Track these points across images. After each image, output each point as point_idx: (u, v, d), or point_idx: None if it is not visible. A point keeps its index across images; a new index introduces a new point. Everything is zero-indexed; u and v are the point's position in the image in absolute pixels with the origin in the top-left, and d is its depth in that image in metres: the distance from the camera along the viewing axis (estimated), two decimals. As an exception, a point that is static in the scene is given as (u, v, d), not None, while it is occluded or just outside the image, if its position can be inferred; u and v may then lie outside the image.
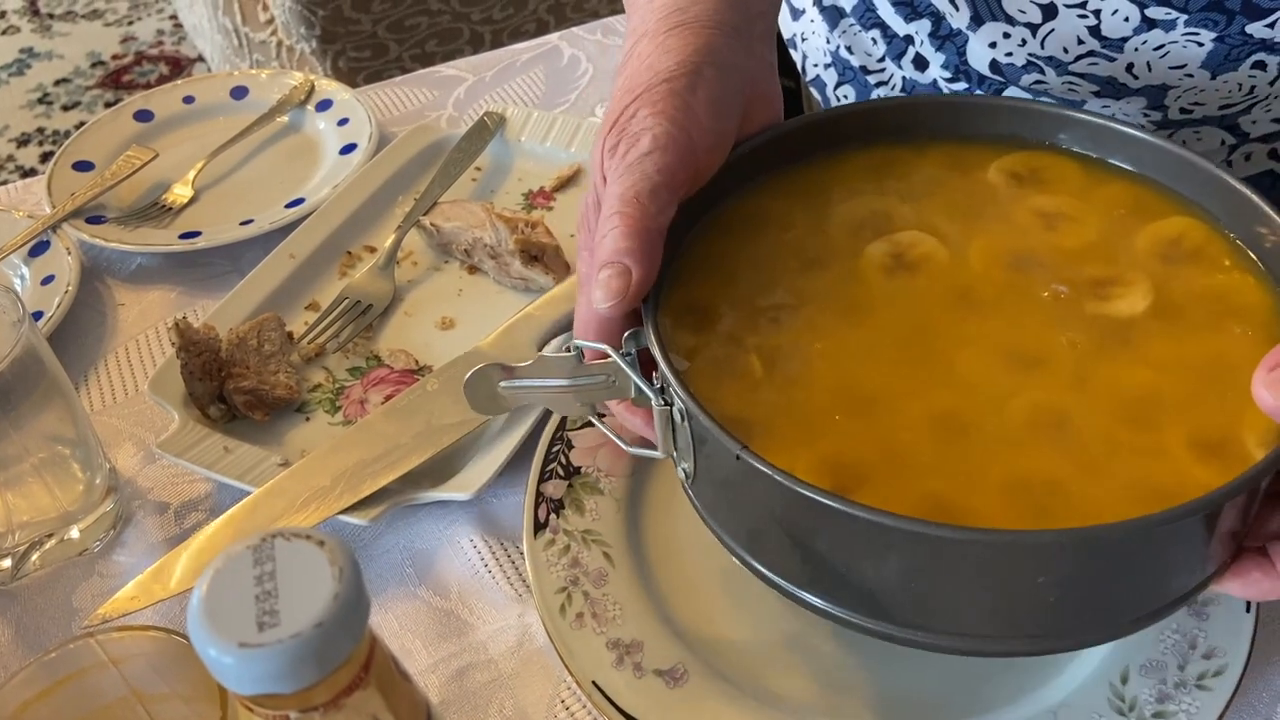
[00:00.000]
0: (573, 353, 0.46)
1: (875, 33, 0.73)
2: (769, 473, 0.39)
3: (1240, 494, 0.39)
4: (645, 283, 0.43)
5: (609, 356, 0.45)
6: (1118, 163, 0.51)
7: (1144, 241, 0.48)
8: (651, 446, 0.47)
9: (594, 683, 0.51)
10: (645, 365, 0.45)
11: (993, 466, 0.41)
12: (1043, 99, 0.51)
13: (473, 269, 0.75)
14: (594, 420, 0.48)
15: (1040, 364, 0.44)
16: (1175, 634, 0.51)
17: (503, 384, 0.48)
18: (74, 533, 0.60)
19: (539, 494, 0.58)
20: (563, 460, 0.59)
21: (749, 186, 0.51)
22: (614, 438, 0.48)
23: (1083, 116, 0.51)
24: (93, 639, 0.43)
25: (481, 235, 0.73)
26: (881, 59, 0.74)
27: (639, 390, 0.45)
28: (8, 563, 0.59)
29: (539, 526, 0.57)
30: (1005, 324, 0.46)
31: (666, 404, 0.43)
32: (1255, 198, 0.46)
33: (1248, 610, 0.52)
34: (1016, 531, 0.38)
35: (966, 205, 0.50)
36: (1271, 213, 0.46)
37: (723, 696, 0.51)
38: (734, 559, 0.45)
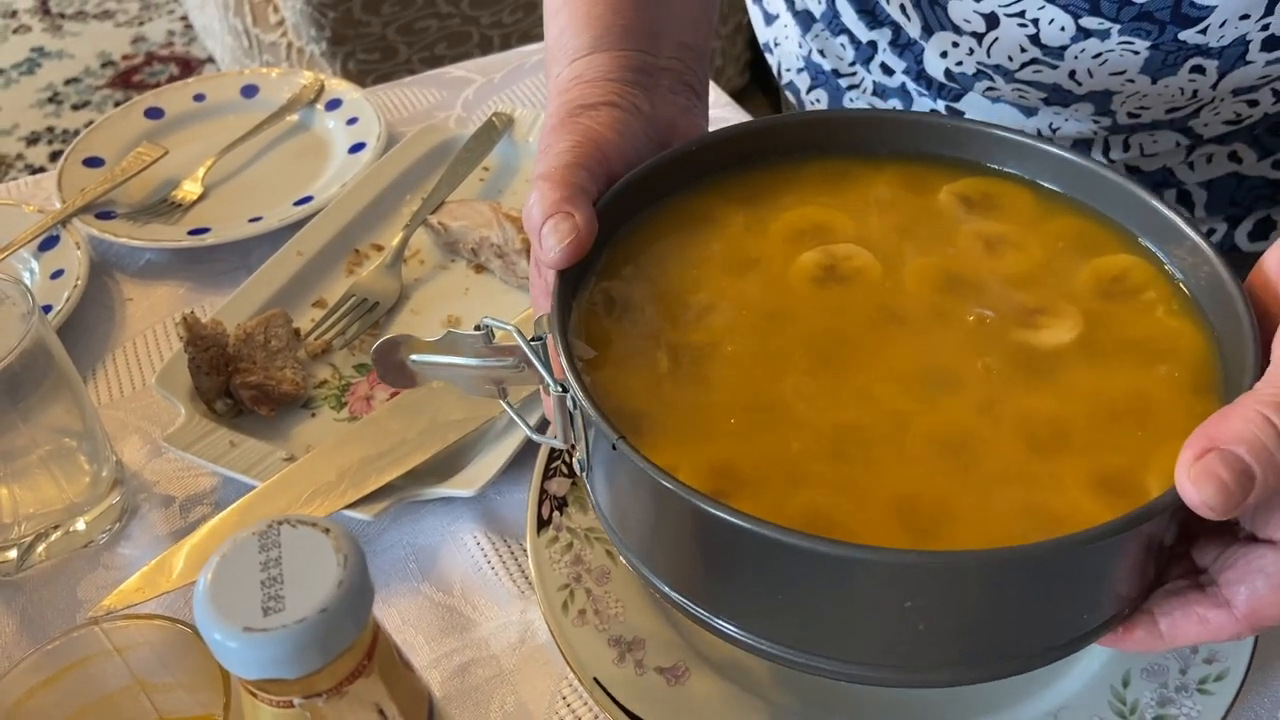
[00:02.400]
0: (481, 331, 0.46)
1: (844, 38, 0.74)
2: (640, 465, 0.38)
3: (1111, 538, 0.36)
4: (590, 226, 0.44)
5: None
6: (1062, 190, 0.49)
7: (1085, 275, 0.47)
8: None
9: (595, 679, 0.51)
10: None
11: (881, 484, 0.40)
12: (1001, 127, 0.50)
13: (479, 268, 0.76)
14: (502, 403, 0.47)
15: (951, 386, 0.43)
16: (1176, 638, 0.51)
17: (412, 358, 0.47)
18: (80, 525, 0.60)
19: (543, 491, 0.58)
20: (567, 458, 0.60)
21: (693, 187, 0.50)
22: (520, 422, 0.47)
23: (1017, 139, 0.50)
24: (97, 627, 0.43)
25: (488, 234, 0.74)
26: (852, 63, 0.75)
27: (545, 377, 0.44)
28: (13, 554, 0.59)
29: (542, 524, 0.57)
30: (923, 344, 0.44)
31: (563, 390, 0.42)
32: (1177, 219, 0.45)
33: (1249, 615, 0.52)
34: (871, 548, 0.36)
35: (912, 224, 0.49)
36: (1191, 234, 0.44)
37: (723, 695, 0.51)
38: (621, 558, 0.44)
